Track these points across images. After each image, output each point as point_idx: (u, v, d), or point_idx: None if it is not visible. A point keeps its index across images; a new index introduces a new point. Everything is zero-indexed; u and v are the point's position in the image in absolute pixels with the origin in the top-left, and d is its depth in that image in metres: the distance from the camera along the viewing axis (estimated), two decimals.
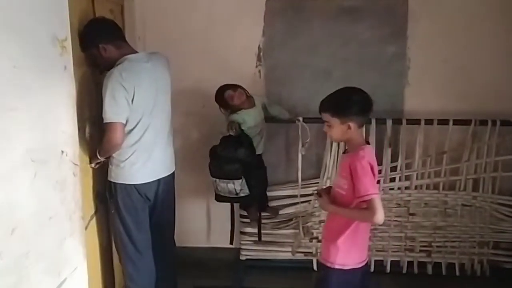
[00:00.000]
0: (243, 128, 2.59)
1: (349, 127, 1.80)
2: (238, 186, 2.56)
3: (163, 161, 2.26)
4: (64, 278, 1.72)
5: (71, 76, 1.88)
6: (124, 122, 2.06)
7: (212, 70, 2.90)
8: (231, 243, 2.96)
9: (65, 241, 1.80)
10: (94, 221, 2.30)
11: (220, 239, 3.10)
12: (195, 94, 2.95)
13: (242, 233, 3.05)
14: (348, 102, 1.81)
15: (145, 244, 2.31)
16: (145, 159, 2.18)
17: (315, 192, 2.08)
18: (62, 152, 1.81)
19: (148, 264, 2.32)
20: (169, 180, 2.34)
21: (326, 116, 1.84)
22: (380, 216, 1.72)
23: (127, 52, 2.13)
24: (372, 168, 1.78)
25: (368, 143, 1.91)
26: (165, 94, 2.25)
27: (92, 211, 2.29)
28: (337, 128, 1.82)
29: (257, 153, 2.67)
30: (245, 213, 2.97)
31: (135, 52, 2.17)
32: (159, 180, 2.25)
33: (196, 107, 2.98)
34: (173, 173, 2.37)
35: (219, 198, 2.68)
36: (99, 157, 2.14)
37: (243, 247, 3.07)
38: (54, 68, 1.75)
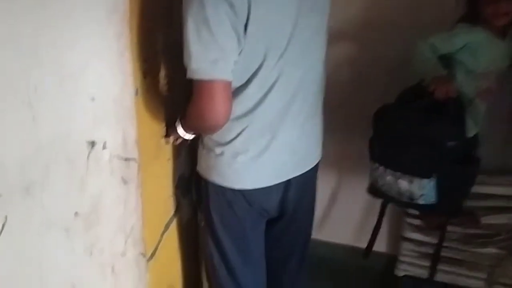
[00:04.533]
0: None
1: None
2: (419, 189, 1.48)
3: (300, 147, 1.22)
4: None
5: None
6: (231, 78, 1.02)
7: None
8: (367, 251, 1.93)
9: None
10: (172, 227, 1.40)
11: (358, 236, 2.18)
12: None
13: (405, 239, 2.01)
14: None
15: (255, 282, 1.39)
16: (264, 145, 1.16)
17: None
18: (93, 144, 0.86)
19: None
20: (309, 179, 1.31)
21: None
22: None
23: None
24: None
25: None
26: (318, 12, 1.13)
27: (170, 213, 1.38)
28: None
29: (470, 134, 1.50)
30: (413, 211, 1.93)
31: None
32: (288, 181, 1.24)
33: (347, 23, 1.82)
34: (317, 165, 1.33)
35: (377, 193, 1.64)
36: (180, 132, 1.18)
37: (402, 258, 2.05)
38: None
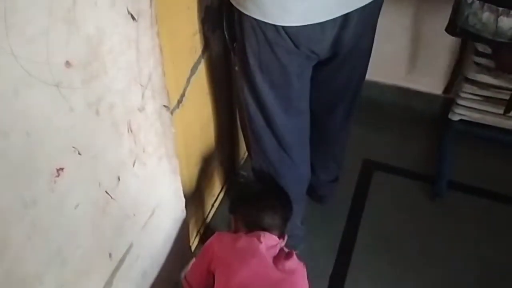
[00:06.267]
0: None
1: None
2: None
3: None
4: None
5: None
6: None
7: None
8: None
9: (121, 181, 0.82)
10: (200, 69, 1.20)
11: (425, 79, 1.96)
12: None
13: (468, 80, 1.77)
14: None
15: (297, 134, 1.24)
16: None
17: None
18: None
19: (298, 168, 1.30)
20: (372, 12, 1.04)
21: None
22: None
23: None
24: None
25: None
26: None
27: (196, 53, 1.16)
28: None
29: None
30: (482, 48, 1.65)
31: None
32: (347, 15, 0.97)
33: None
34: None
35: (463, 32, 1.39)
36: None
37: (461, 101, 1.84)
38: None
